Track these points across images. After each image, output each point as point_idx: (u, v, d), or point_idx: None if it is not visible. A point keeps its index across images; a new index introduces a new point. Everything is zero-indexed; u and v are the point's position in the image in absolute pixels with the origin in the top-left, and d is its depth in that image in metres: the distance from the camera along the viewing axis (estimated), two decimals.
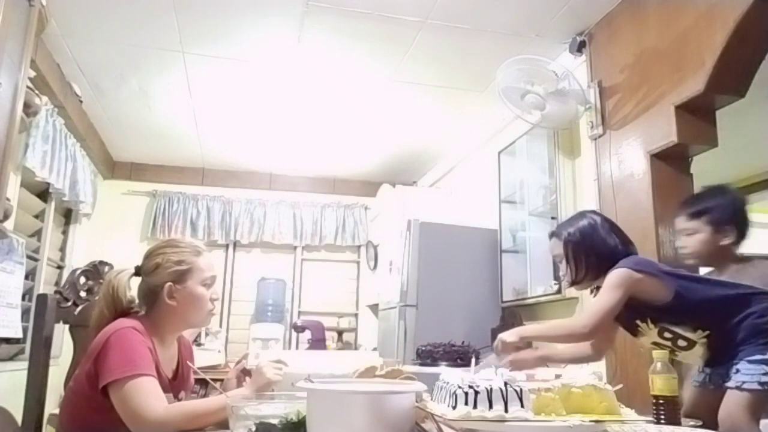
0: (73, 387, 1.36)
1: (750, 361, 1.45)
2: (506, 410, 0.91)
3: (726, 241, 1.92)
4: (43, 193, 3.56)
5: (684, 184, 2.38)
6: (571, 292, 2.73)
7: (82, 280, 1.75)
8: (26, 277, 3.06)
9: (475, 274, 3.34)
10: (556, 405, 1.02)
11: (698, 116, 2.24)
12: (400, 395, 0.91)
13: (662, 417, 1.16)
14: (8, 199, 2.12)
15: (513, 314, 3.12)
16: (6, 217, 2.17)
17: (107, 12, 2.73)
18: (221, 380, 1.54)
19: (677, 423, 1.16)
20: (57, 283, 3.83)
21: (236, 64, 3.21)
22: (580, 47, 2.83)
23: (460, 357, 2.26)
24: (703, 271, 2.05)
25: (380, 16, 2.72)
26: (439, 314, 3.17)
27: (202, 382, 1.77)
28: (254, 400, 1.12)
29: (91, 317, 1.45)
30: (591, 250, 1.70)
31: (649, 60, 2.42)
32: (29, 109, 2.66)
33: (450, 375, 1.02)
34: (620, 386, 1.13)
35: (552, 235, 1.83)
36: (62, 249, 4.06)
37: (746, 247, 1.95)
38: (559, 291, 2.76)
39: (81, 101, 3.58)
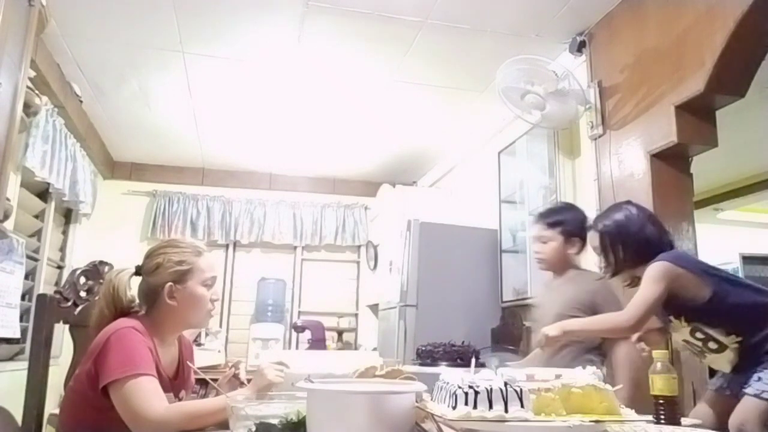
0: (73, 387, 1.36)
1: None
2: (506, 410, 0.91)
3: (572, 251, 2.19)
4: (43, 193, 3.56)
5: (684, 184, 2.38)
6: None
7: (82, 280, 1.75)
8: (26, 277, 3.07)
9: (475, 274, 3.34)
10: (556, 405, 1.02)
11: (698, 116, 2.24)
12: (400, 395, 0.91)
13: (662, 417, 1.16)
14: (8, 199, 2.13)
15: (513, 314, 3.12)
16: (6, 217, 2.17)
17: (107, 12, 2.73)
18: (218, 380, 1.54)
19: (677, 423, 1.16)
20: (57, 283, 3.83)
21: (236, 64, 3.21)
22: (580, 47, 2.83)
23: (460, 357, 2.26)
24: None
25: (380, 16, 2.72)
26: (439, 314, 3.17)
27: (202, 382, 1.77)
28: (254, 401, 1.12)
29: (91, 317, 1.45)
30: (626, 240, 1.72)
31: (649, 60, 2.42)
32: (29, 109, 2.67)
33: (450, 375, 1.02)
34: (620, 386, 1.13)
35: (589, 228, 1.88)
36: (62, 249, 4.06)
37: (748, 247, 1.97)
38: None
39: (81, 101, 3.58)
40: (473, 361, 1.27)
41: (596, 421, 0.97)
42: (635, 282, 1.74)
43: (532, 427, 0.92)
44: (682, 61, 2.22)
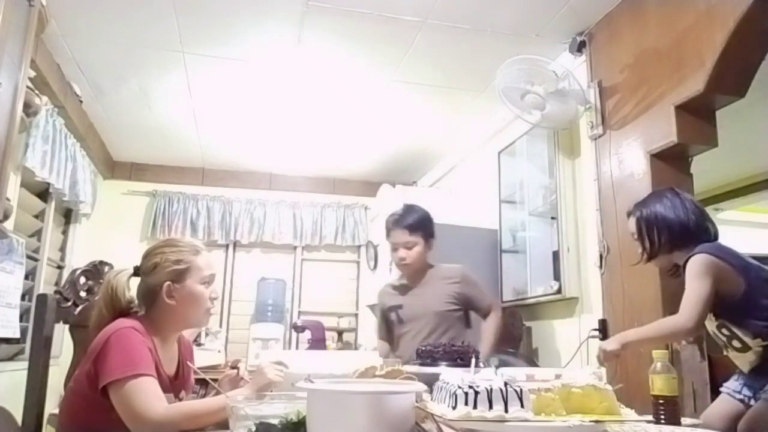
0: (73, 387, 1.36)
1: None
2: (506, 410, 0.91)
3: (430, 252, 2.36)
4: (43, 193, 3.56)
5: (684, 184, 2.38)
6: (570, 292, 2.74)
7: (82, 280, 1.75)
8: (26, 277, 3.06)
9: (475, 274, 3.33)
10: (556, 405, 1.02)
11: (698, 116, 2.24)
12: (400, 395, 0.91)
13: (662, 417, 1.16)
14: (8, 199, 2.12)
15: (513, 314, 3.11)
16: (6, 217, 2.17)
17: (107, 12, 2.73)
18: (218, 379, 1.54)
19: (677, 423, 1.16)
20: (57, 283, 3.82)
21: (236, 65, 3.21)
22: (580, 47, 2.83)
23: (460, 357, 2.26)
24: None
25: (380, 16, 2.72)
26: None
27: (202, 382, 1.77)
28: (254, 400, 1.12)
29: (91, 318, 1.45)
30: (663, 226, 1.73)
31: (649, 60, 2.42)
32: (29, 109, 2.66)
33: (450, 375, 1.02)
34: (620, 386, 1.13)
35: (629, 214, 1.89)
36: (62, 249, 4.06)
37: (748, 247, 1.97)
38: (559, 291, 2.76)
39: (81, 101, 3.58)
40: (473, 361, 1.27)
41: (596, 421, 0.96)
42: (675, 271, 1.76)
43: (532, 427, 0.92)
44: (682, 61, 2.22)
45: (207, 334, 4.23)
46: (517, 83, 2.66)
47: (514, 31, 2.84)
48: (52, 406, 1.79)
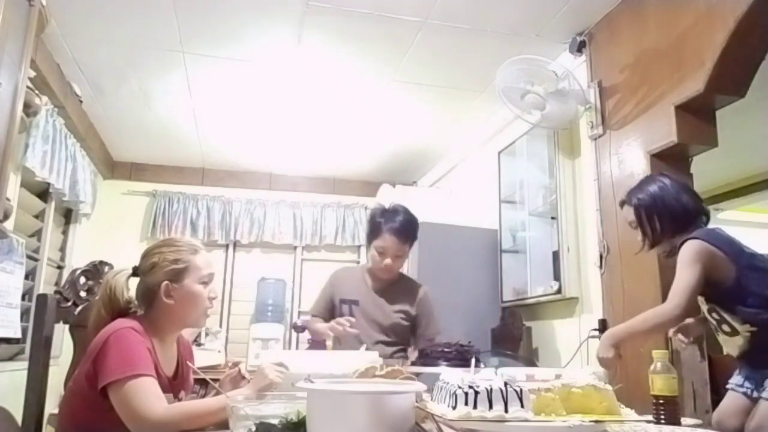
0: (72, 387, 1.36)
1: None
2: (506, 410, 0.91)
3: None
4: (43, 193, 3.56)
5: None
6: (570, 292, 2.74)
7: (82, 280, 1.75)
8: (26, 277, 3.06)
9: (475, 274, 3.34)
10: (556, 405, 1.02)
11: (698, 116, 2.24)
12: (400, 395, 0.91)
13: (662, 417, 1.16)
14: (8, 199, 2.12)
15: (513, 314, 3.11)
16: (6, 217, 2.17)
17: (107, 12, 2.73)
18: (219, 379, 1.54)
19: (677, 423, 1.16)
20: (57, 283, 3.82)
21: (236, 64, 3.21)
22: (580, 47, 2.83)
23: (461, 357, 2.26)
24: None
25: (380, 16, 2.72)
26: (440, 314, 3.16)
27: (202, 382, 1.77)
28: (254, 400, 1.12)
29: (90, 318, 1.45)
30: (663, 210, 1.71)
31: (649, 60, 2.42)
32: (29, 109, 2.66)
33: (450, 375, 1.02)
34: (620, 386, 1.13)
35: (623, 203, 1.85)
36: (62, 249, 4.06)
37: (750, 247, 1.96)
38: (559, 291, 2.76)
39: (81, 101, 3.58)
40: (473, 362, 1.27)
41: (596, 421, 0.96)
42: (674, 252, 1.72)
43: (532, 427, 0.92)
44: (682, 61, 2.22)
45: (207, 334, 4.23)
46: (517, 83, 2.66)
47: (514, 31, 2.84)
48: (52, 406, 1.79)
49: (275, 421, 0.98)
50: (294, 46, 3.01)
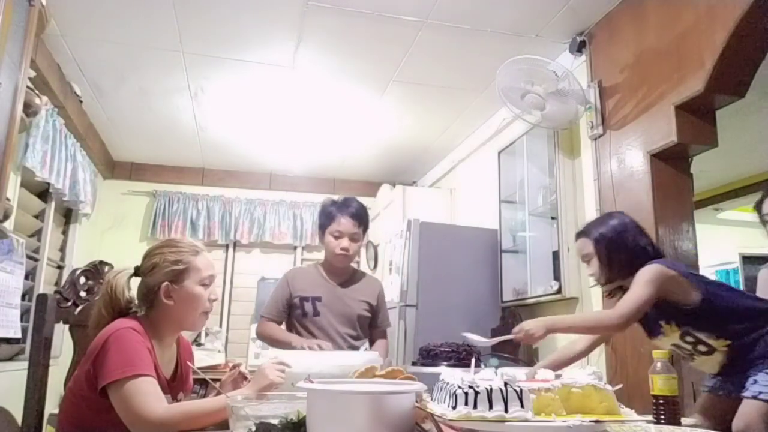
0: (72, 387, 1.36)
1: None
2: (506, 410, 0.91)
3: None
4: (43, 193, 3.56)
5: (684, 184, 2.39)
6: (570, 292, 2.74)
7: (82, 280, 1.75)
8: (26, 277, 3.06)
9: (475, 274, 3.34)
10: (556, 405, 1.02)
11: (698, 116, 2.25)
12: (400, 395, 0.91)
13: (662, 417, 1.16)
14: (8, 199, 2.12)
15: (513, 314, 3.11)
16: (6, 217, 2.17)
17: (107, 12, 2.73)
18: (221, 380, 1.54)
19: (677, 423, 1.16)
20: (57, 283, 3.82)
21: (236, 64, 3.21)
22: (580, 47, 2.83)
23: (461, 357, 2.26)
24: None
25: (380, 16, 2.72)
26: (439, 314, 3.16)
27: (202, 382, 1.77)
28: (254, 400, 1.12)
29: (90, 318, 1.45)
30: (623, 249, 1.70)
31: (649, 60, 2.42)
32: (29, 109, 2.66)
33: (450, 375, 1.02)
34: (620, 386, 1.14)
35: (579, 235, 1.82)
36: (62, 249, 4.06)
37: (748, 248, 1.98)
38: (559, 291, 2.76)
39: (81, 101, 3.58)
40: (473, 361, 1.27)
41: (596, 421, 0.97)
42: (615, 293, 1.74)
43: (532, 427, 0.92)
44: (682, 61, 2.22)
45: (207, 334, 4.23)
46: (517, 83, 2.66)
47: (514, 31, 2.84)
48: (52, 406, 1.79)
49: (275, 421, 0.98)
50: (294, 46, 3.01)
